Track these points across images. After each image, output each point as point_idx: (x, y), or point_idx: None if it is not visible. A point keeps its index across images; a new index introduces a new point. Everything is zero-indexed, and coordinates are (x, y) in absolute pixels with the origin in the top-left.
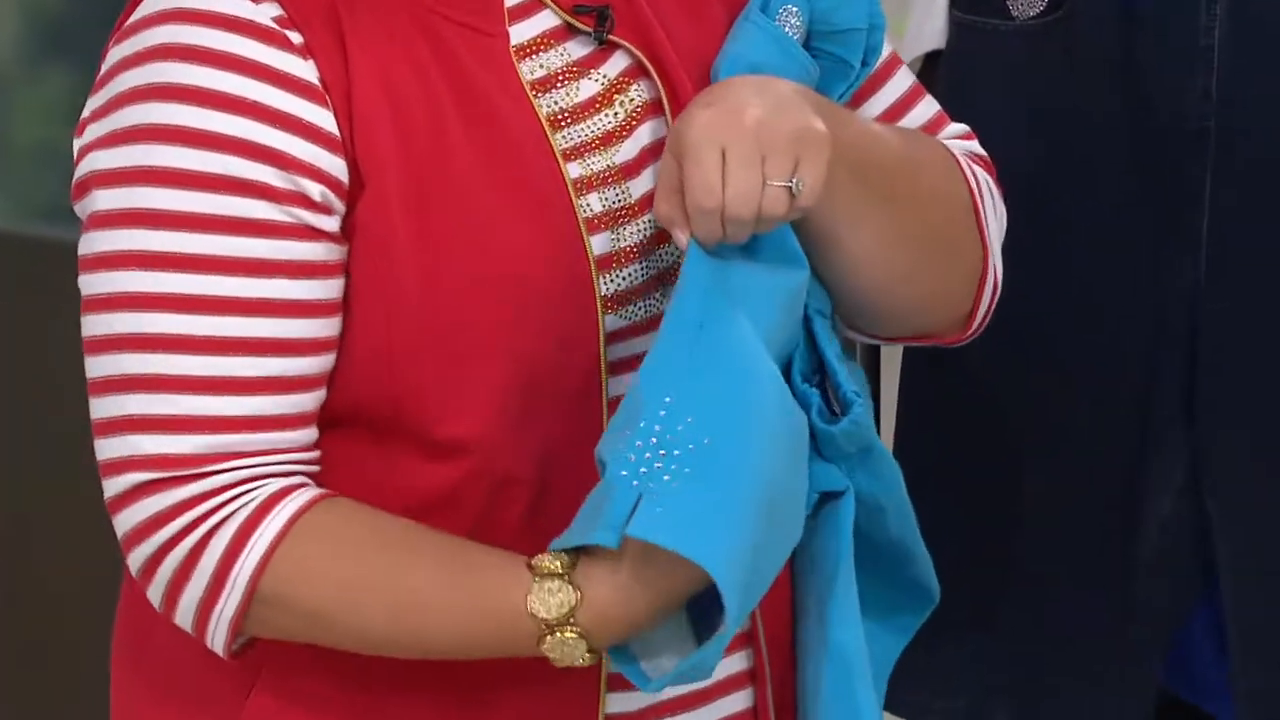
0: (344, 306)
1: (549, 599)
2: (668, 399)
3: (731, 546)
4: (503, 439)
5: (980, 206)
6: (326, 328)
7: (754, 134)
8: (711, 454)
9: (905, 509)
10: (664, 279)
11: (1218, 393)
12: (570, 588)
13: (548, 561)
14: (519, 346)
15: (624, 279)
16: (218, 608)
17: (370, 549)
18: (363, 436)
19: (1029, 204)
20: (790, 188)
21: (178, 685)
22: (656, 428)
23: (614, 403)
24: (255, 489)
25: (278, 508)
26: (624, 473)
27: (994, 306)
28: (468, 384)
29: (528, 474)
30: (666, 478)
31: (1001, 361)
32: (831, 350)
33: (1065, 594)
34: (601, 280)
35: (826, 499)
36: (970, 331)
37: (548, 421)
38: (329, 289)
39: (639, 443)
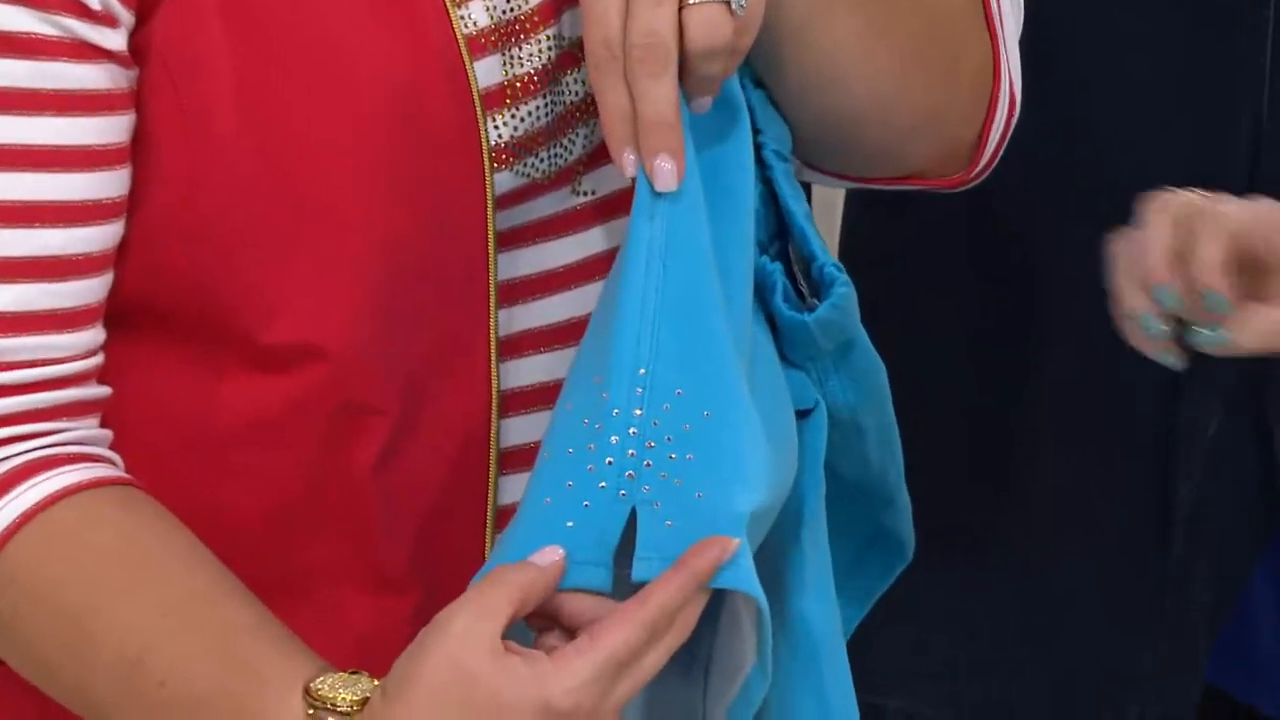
0: (134, 155)
1: None
2: (641, 370)
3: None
4: (355, 344)
5: None
6: (113, 184)
7: None
8: (716, 430)
9: (890, 430)
10: (572, 119)
11: None
12: None
13: (333, 690)
14: (377, 216)
15: (521, 120)
16: None
17: (120, 584)
18: (163, 338)
19: (1031, 32)
20: (729, 3)
21: None
22: (636, 411)
23: (503, 288)
24: (20, 445)
25: (36, 479)
26: (602, 484)
27: (1009, 133)
28: (306, 267)
29: (386, 398)
30: (664, 475)
31: (983, 232)
32: (799, 209)
33: (1077, 555)
34: (491, 123)
35: None
36: (976, 170)
37: (415, 321)
38: (115, 129)
39: (614, 438)
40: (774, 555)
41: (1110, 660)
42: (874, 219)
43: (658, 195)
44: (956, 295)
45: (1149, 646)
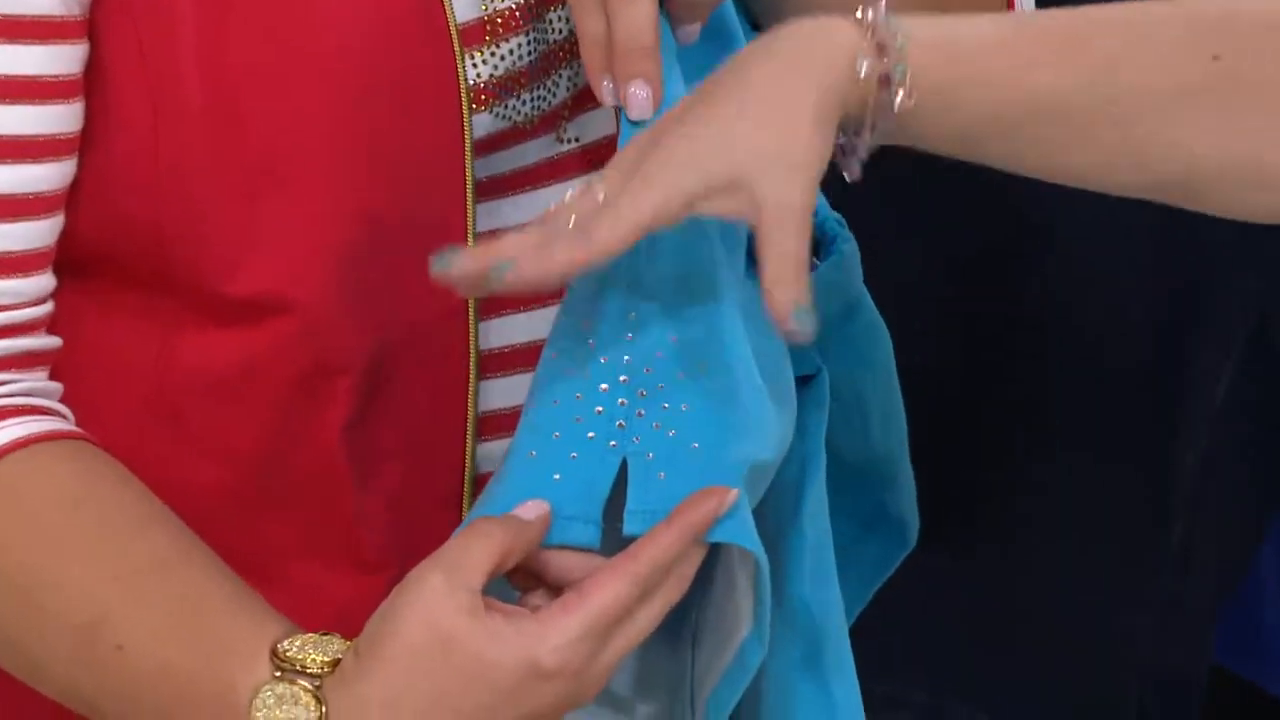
0: (91, 96)
1: (274, 713)
2: (631, 315)
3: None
4: (322, 298)
5: None
6: (65, 118)
7: None
8: (713, 378)
9: (894, 402)
10: (556, 59)
11: None
12: (314, 703)
13: (302, 651)
14: (346, 161)
15: (501, 59)
16: None
17: (72, 544)
18: (119, 287)
19: None
20: None
21: None
22: (625, 359)
23: (481, 238)
24: None
25: None
26: (591, 435)
27: None
28: (270, 215)
29: (357, 356)
30: (657, 425)
31: (983, 192)
32: None
33: (1077, 530)
34: (469, 60)
35: None
36: None
37: (388, 274)
38: (67, 59)
39: (603, 386)
40: (771, 534)
41: (1111, 638)
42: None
43: (645, 129)
44: (953, 262)
45: (1150, 624)
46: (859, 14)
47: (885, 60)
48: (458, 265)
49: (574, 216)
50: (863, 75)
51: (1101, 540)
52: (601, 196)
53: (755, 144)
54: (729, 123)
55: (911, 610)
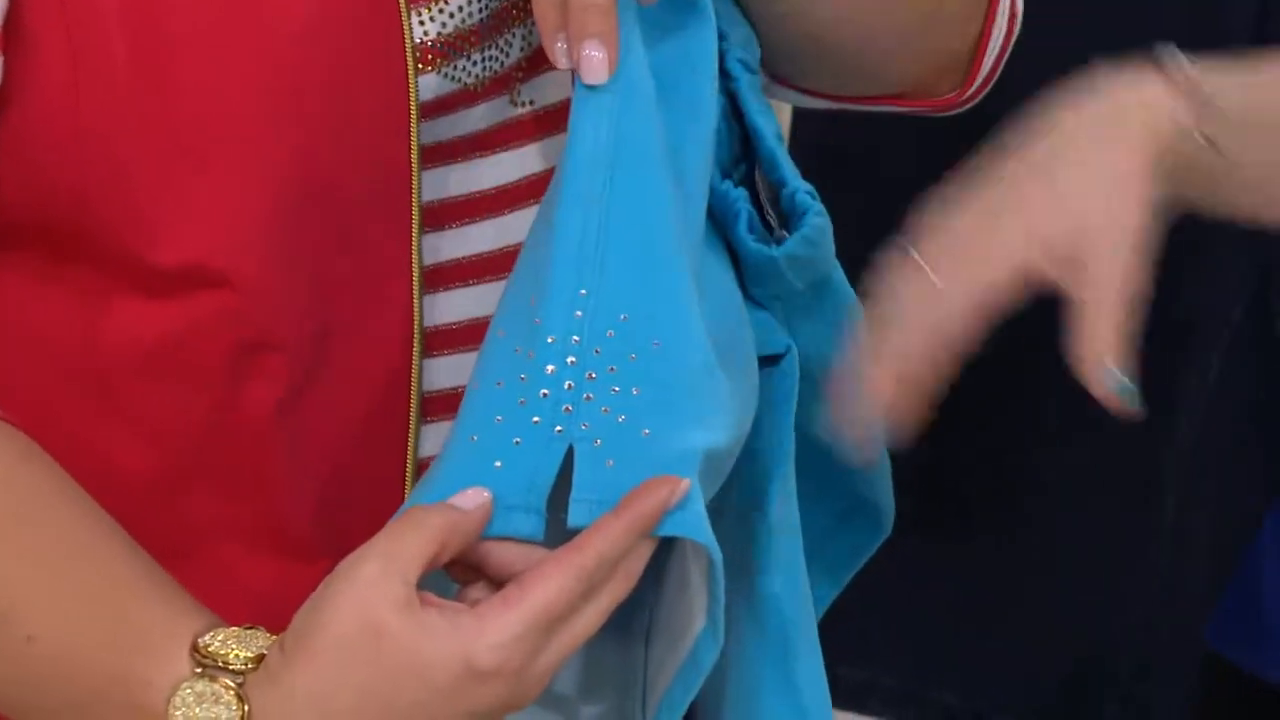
0: (8, 51)
1: (193, 711)
2: (582, 292)
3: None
4: (255, 269)
5: None
6: None
7: None
8: (666, 361)
9: None
10: (508, 18)
11: None
12: (236, 701)
13: (225, 646)
14: (281, 124)
15: (450, 16)
16: None
17: None
18: (38, 256)
19: None
20: None
21: None
22: (574, 339)
23: (429, 210)
24: None
25: None
26: (535, 419)
27: (1009, 49)
28: (200, 180)
29: (292, 332)
30: (606, 410)
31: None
32: (768, 128)
33: (1068, 513)
34: (415, 17)
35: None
36: (971, 89)
37: (326, 245)
38: None
39: (550, 368)
40: (737, 523)
41: (1100, 624)
42: (833, 148)
43: (602, 93)
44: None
45: (1142, 611)
46: (1163, 63)
47: (1200, 118)
48: None
49: (906, 304)
50: (1182, 139)
51: (1094, 527)
52: (934, 278)
53: (1095, 218)
54: (1064, 193)
55: (891, 596)
